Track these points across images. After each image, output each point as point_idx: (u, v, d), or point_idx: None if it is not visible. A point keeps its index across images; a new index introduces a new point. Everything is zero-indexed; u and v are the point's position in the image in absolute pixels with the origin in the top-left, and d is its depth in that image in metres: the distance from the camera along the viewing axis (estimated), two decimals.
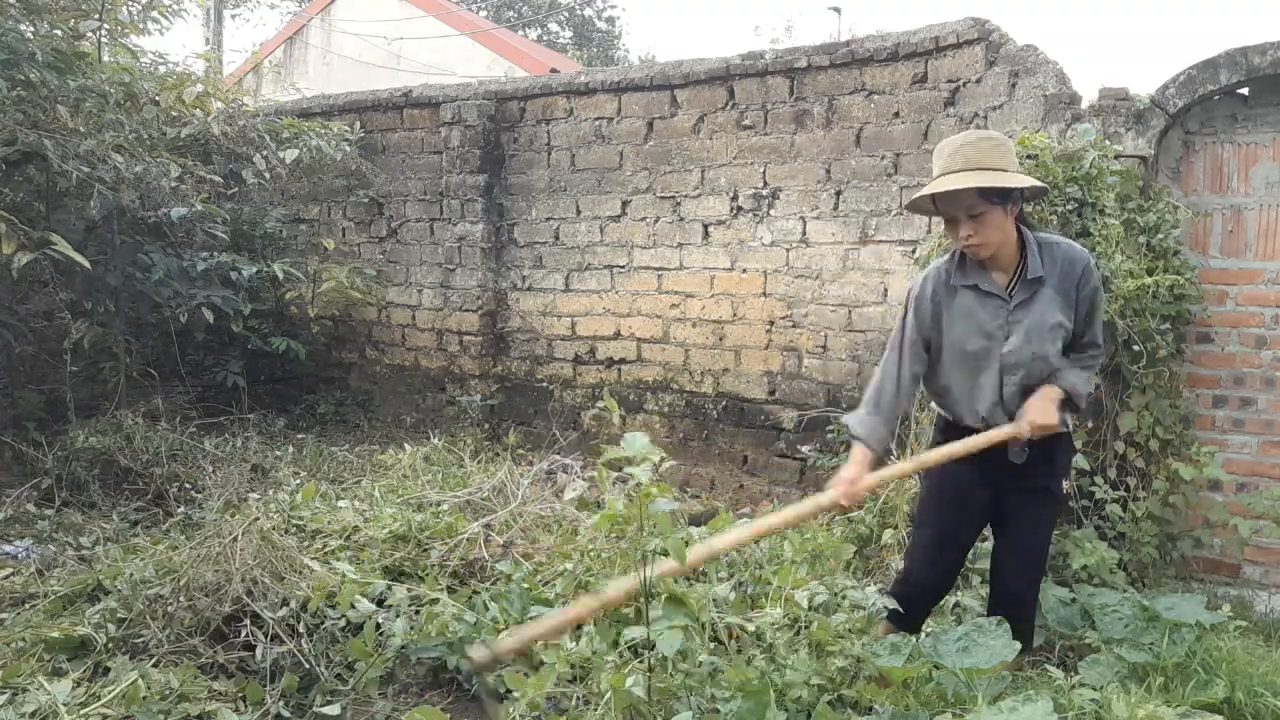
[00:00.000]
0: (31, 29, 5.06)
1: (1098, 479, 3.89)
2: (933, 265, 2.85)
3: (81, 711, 2.73)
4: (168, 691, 2.82)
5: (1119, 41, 44.16)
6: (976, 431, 2.76)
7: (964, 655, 2.71)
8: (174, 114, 6.11)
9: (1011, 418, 2.73)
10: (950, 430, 2.86)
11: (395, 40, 14.49)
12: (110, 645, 3.07)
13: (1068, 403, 2.76)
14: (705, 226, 5.69)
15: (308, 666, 3.03)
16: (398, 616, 3.28)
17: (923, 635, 3.08)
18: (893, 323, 4.47)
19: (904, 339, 2.82)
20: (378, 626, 3.19)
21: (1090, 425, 4.03)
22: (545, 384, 6.37)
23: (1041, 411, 2.67)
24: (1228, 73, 3.93)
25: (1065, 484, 2.92)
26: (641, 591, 2.53)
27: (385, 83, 8.84)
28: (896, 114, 5.03)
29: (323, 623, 3.21)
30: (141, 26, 6.28)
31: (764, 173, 5.48)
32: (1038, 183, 2.68)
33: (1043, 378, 2.74)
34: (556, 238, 6.27)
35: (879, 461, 2.81)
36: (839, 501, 2.67)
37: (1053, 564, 3.75)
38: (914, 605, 3.00)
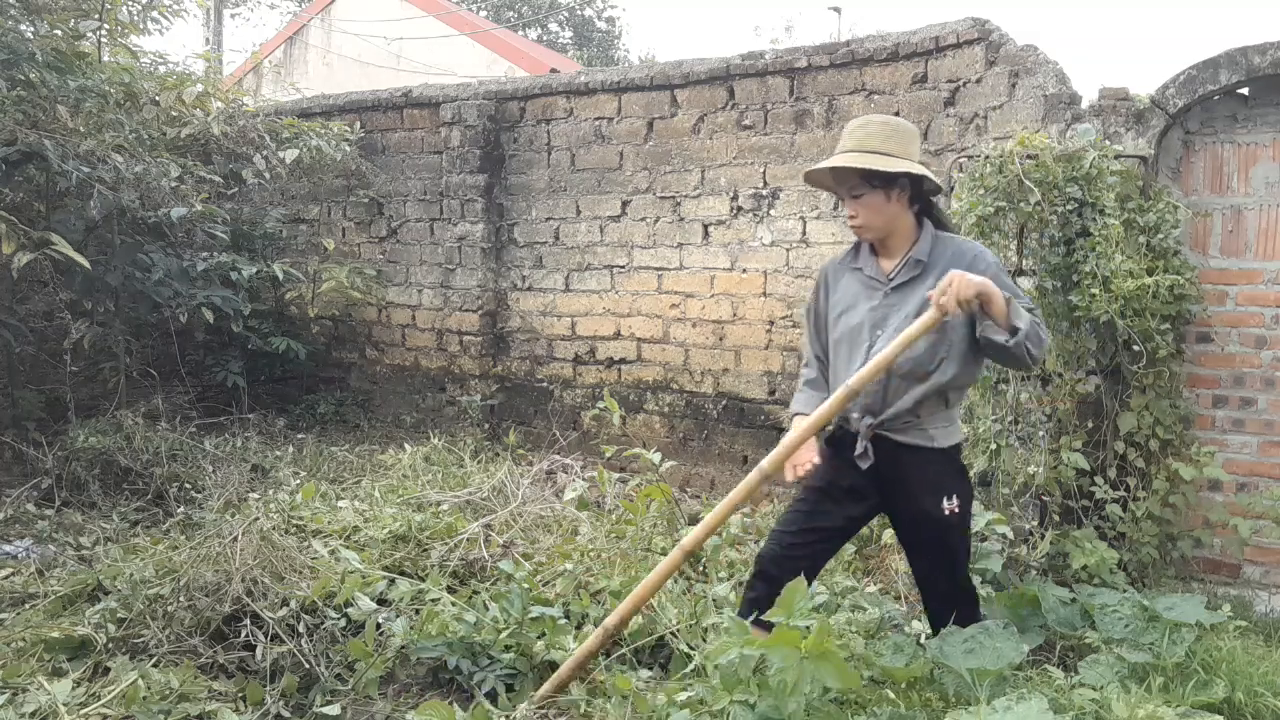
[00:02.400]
0: (31, 29, 5.06)
1: (1098, 479, 3.90)
2: (833, 257, 2.95)
3: (81, 711, 2.73)
4: (168, 691, 2.82)
5: (1119, 41, 44.17)
6: (849, 418, 2.73)
7: (970, 657, 2.72)
8: (174, 114, 6.11)
9: (873, 411, 2.69)
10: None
11: (395, 40, 14.49)
12: (110, 645, 3.07)
13: (1013, 352, 2.54)
14: (705, 226, 5.69)
15: (308, 666, 3.03)
16: (398, 616, 3.28)
17: (924, 636, 3.08)
18: None
19: (811, 320, 2.93)
20: (378, 626, 3.19)
21: (1090, 425, 4.03)
22: (545, 384, 6.37)
23: (961, 277, 2.46)
24: (1228, 73, 3.93)
25: (950, 504, 2.72)
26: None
27: (385, 83, 8.84)
28: (896, 114, 5.03)
29: (323, 623, 3.21)
30: (141, 26, 6.28)
31: (764, 173, 5.48)
32: (922, 171, 2.65)
33: (922, 372, 2.66)
34: (556, 238, 6.27)
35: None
36: (784, 470, 2.71)
37: (1053, 564, 3.75)
38: (759, 589, 2.83)
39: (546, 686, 2.89)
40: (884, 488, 2.76)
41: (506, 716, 2.79)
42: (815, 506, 2.81)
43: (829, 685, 2.34)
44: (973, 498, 2.87)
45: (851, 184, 2.68)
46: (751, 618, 2.67)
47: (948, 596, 2.86)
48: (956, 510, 2.72)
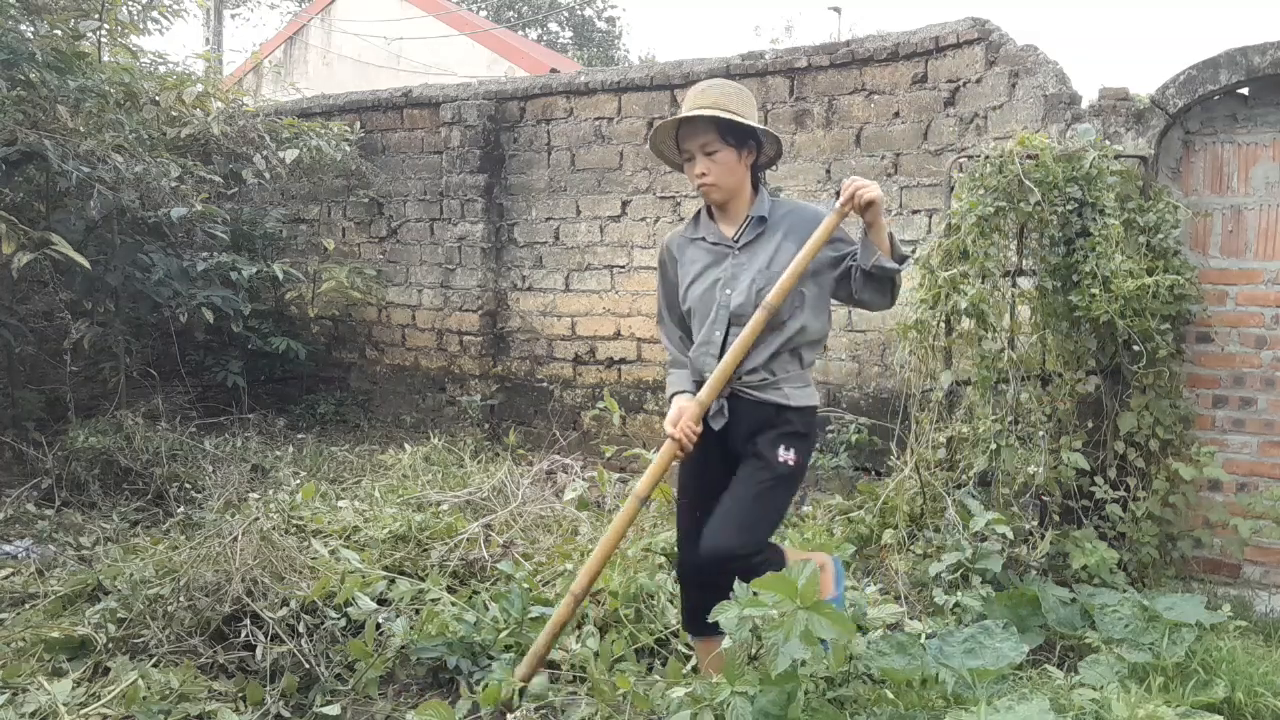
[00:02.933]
0: (31, 29, 5.06)
1: (1098, 479, 3.90)
2: (671, 234, 2.92)
3: (81, 711, 2.73)
4: (168, 691, 2.82)
5: (1119, 41, 44.18)
6: (704, 376, 2.70)
7: (970, 657, 2.71)
8: (174, 114, 6.11)
9: (736, 376, 2.66)
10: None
11: (395, 40, 14.50)
12: (110, 645, 3.07)
13: (895, 281, 2.66)
14: None
15: (308, 666, 3.03)
16: (398, 616, 3.28)
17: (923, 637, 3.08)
18: (892, 322, 4.47)
19: (662, 303, 2.90)
20: (378, 626, 3.19)
21: (1090, 425, 4.03)
22: (545, 384, 6.37)
23: (865, 182, 2.61)
24: (1228, 73, 3.93)
25: (788, 454, 2.66)
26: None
27: (385, 83, 8.84)
28: (896, 114, 5.04)
29: (323, 623, 3.21)
30: (141, 26, 6.28)
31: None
32: (775, 133, 2.74)
33: (778, 321, 2.65)
34: (556, 238, 6.27)
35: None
36: (676, 445, 2.65)
37: (1053, 564, 3.75)
38: (693, 598, 2.78)
39: (526, 661, 2.87)
40: (732, 441, 2.72)
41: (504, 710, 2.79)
42: (696, 496, 2.78)
43: (824, 636, 2.32)
44: (805, 468, 2.77)
45: (706, 140, 2.66)
46: (714, 629, 2.57)
47: (724, 546, 2.61)
48: (790, 462, 2.65)
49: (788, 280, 2.58)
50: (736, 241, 2.73)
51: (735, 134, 2.67)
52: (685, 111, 2.67)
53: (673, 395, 2.79)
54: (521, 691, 2.85)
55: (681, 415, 2.66)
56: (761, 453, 2.67)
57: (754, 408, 2.69)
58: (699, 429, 2.66)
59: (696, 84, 2.77)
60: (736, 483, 2.70)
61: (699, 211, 2.85)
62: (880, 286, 2.67)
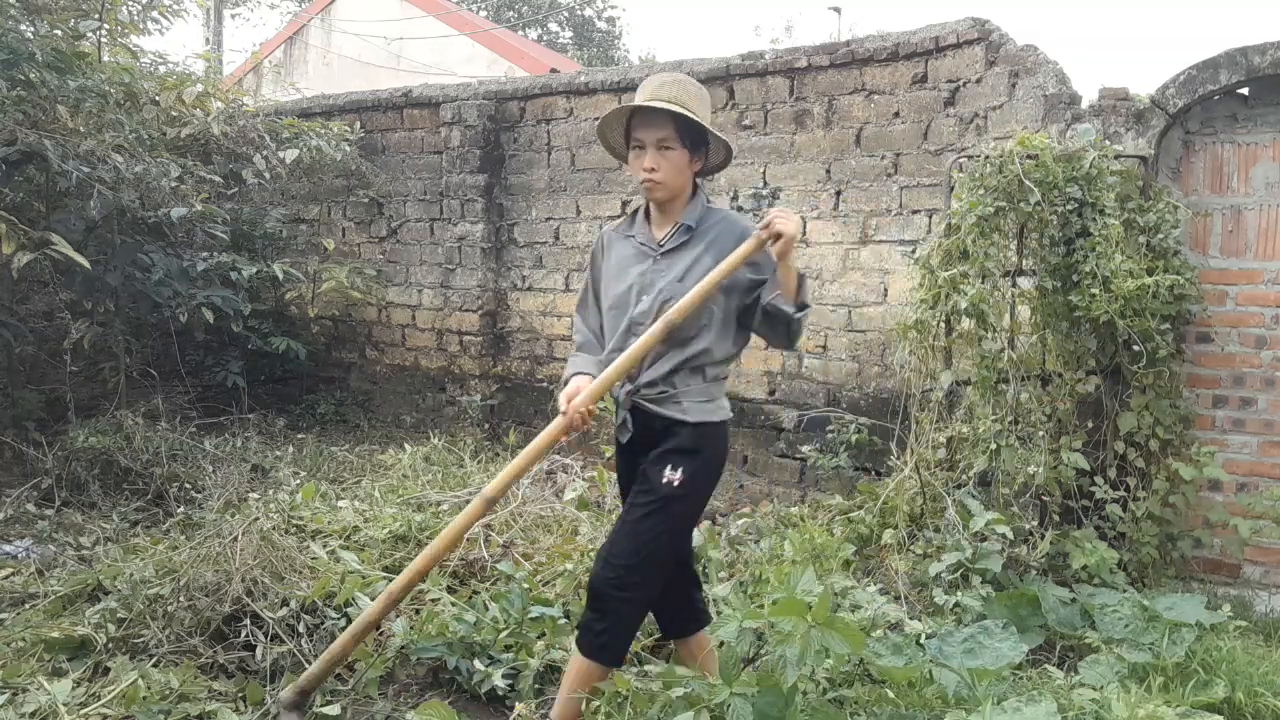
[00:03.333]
0: (31, 29, 5.06)
1: (1098, 479, 3.90)
2: (610, 224, 2.86)
3: (81, 711, 2.73)
4: (168, 691, 2.82)
5: (1119, 41, 44.18)
6: (623, 394, 2.63)
7: (970, 657, 2.71)
8: (174, 114, 6.11)
9: (630, 377, 2.59)
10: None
11: (395, 40, 14.49)
12: (110, 645, 3.07)
13: (792, 328, 2.55)
14: None
15: (308, 666, 3.03)
16: (398, 616, 3.28)
17: (924, 637, 3.08)
18: (892, 322, 4.48)
19: (588, 289, 2.82)
20: (378, 626, 3.19)
21: (1090, 425, 4.03)
22: (545, 384, 6.37)
23: (789, 214, 2.51)
24: (1228, 73, 3.93)
25: (674, 474, 2.54)
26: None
27: (385, 83, 8.84)
28: (896, 114, 5.04)
29: (323, 623, 3.21)
30: (141, 26, 6.28)
31: (764, 173, 5.48)
32: (729, 142, 2.69)
33: (681, 337, 2.54)
34: (556, 238, 6.27)
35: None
36: (567, 423, 2.54)
37: (1053, 564, 3.75)
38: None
39: (320, 661, 2.71)
40: (640, 455, 2.63)
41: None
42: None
43: (839, 651, 2.37)
44: (706, 488, 2.65)
45: (665, 135, 2.56)
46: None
47: (614, 569, 2.53)
48: (675, 483, 2.53)
49: (692, 298, 2.48)
50: (661, 246, 2.65)
51: (692, 136, 2.59)
52: (647, 100, 2.57)
53: (572, 375, 2.67)
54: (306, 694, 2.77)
55: (577, 393, 2.56)
56: (646, 473, 2.58)
57: (651, 420, 2.61)
58: (593, 410, 2.56)
59: (657, 75, 2.67)
60: (625, 507, 2.65)
61: (638, 209, 2.77)
62: (774, 326, 2.58)
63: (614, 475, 4.86)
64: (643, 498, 2.57)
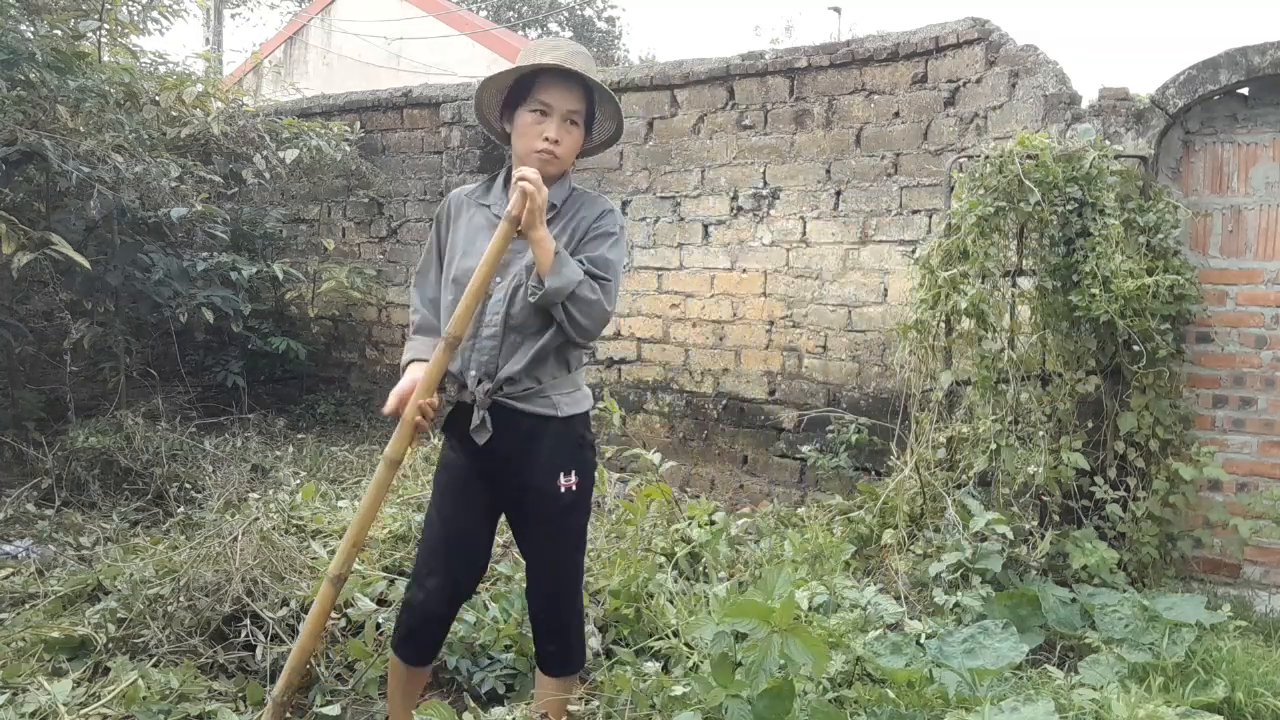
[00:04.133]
0: (31, 29, 5.06)
1: (1098, 479, 3.90)
2: (460, 187, 2.60)
3: (81, 711, 2.73)
4: (168, 691, 2.82)
5: (1119, 41, 44.18)
6: (459, 375, 2.40)
7: (970, 657, 2.71)
8: (174, 114, 6.11)
9: (489, 374, 2.37)
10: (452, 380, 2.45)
11: (395, 40, 14.50)
12: (110, 645, 3.07)
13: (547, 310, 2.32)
14: (705, 226, 5.69)
15: (308, 666, 3.03)
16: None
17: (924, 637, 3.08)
18: (892, 322, 4.48)
19: (431, 259, 2.56)
20: (378, 626, 3.19)
21: (1090, 425, 4.03)
22: None
23: (533, 191, 2.23)
24: (1228, 73, 3.93)
25: (568, 480, 2.44)
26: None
27: (385, 83, 8.84)
28: (896, 114, 5.04)
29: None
30: (141, 26, 6.28)
31: (764, 173, 5.48)
32: (620, 123, 2.53)
33: (536, 324, 2.36)
34: None
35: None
36: (410, 419, 2.31)
37: (1053, 564, 3.75)
38: (418, 629, 2.55)
39: (294, 654, 2.54)
40: (500, 465, 2.42)
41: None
42: (452, 519, 2.48)
43: (800, 660, 2.29)
44: (592, 481, 2.53)
45: (575, 108, 2.38)
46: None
47: (563, 599, 2.52)
48: (572, 488, 2.43)
49: (466, 308, 2.28)
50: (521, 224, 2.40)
51: (586, 117, 2.44)
52: (557, 62, 2.33)
53: (409, 363, 2.47)
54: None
55: (410, 390, 2.34)
56: (543, 489, 2.42)
57: (519, 420, 2.39)
58: (433, 403, 2.34)
59: (552, 41, 2.44)
60: (536, 535, 2.50)
61: (496, 175, 2.54)
62: (549, 314, 2.34)
63: (614, 475, 4.84)
64: (556, 521, 2.46)
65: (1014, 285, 4.00)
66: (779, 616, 2.29)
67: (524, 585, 3.45)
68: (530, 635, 3.20)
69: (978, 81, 4.68)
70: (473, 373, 2.39)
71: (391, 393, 2.38)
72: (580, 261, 2.35)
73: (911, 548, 3.79)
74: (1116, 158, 3.92)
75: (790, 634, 2.29)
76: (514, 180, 2.27)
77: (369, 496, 2.37)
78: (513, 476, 2.44)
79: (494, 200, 2.46)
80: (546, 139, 2.36)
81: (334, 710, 2.88)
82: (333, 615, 3.24)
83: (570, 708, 2.88)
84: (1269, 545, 3.98)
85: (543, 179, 2.30)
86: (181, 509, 4.48)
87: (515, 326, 2.37)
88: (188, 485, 4.77)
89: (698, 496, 5.54)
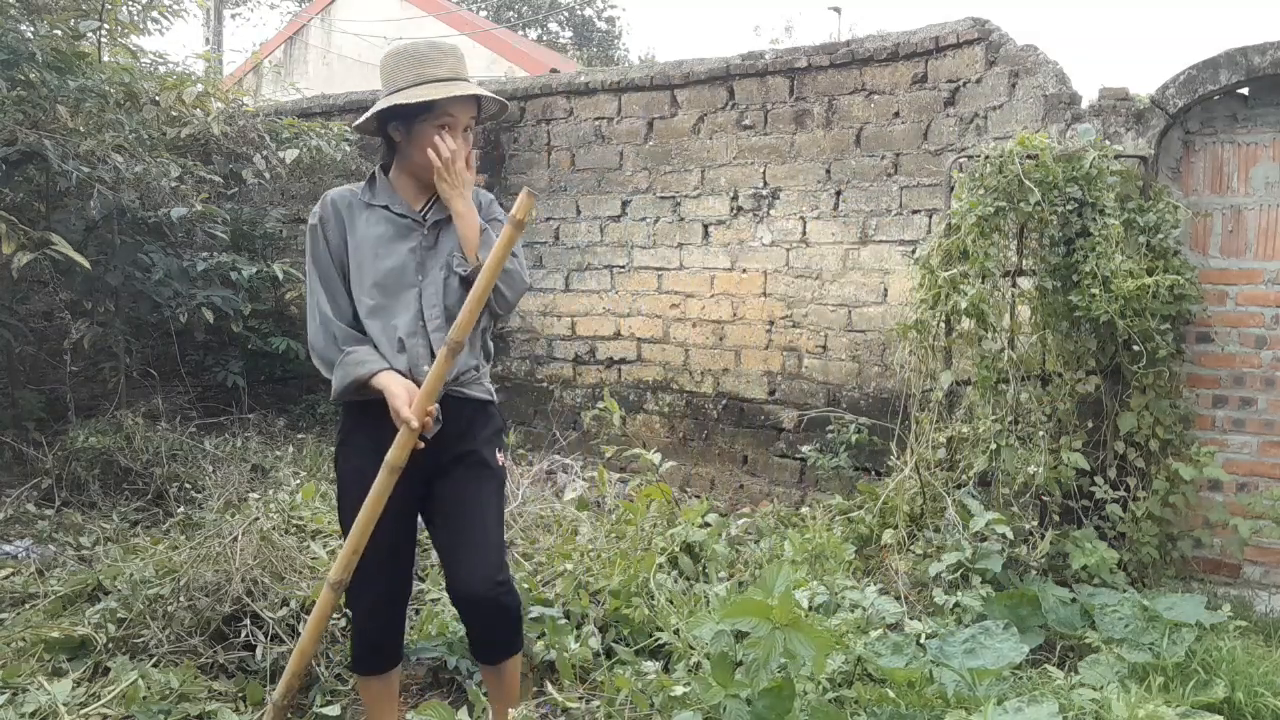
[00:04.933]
0: (31, 29, 5.06)
1: (1098, 479, 3.90)
2: (334, 191, 2.55)
3: (81, 711, 2.73)
4: (168, 691, 2.82)
5: (1119, 41, 44.19)
6: (410, 374, 2.41)
7: (970, 657, 2.71)
8: (174, 114, 6.10)
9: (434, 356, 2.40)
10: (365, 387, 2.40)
11: (395, 40, 14.49)
12: (110, 645, 3.08)
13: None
14: (705, 226, 5.69)
15: (308, 666, 3.03)
16: None
17: (924, 637, 3.08)
18: (892, 322, 4.48)
19: (322, 276, 2.47)
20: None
21: (1090, 425, 4.03)
22: (545, 384, 6.37)
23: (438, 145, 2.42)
24: (1228, 73, 3.93)
25: (500, 456, 2.58)
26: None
27: None
28: (896, 114, 5.04)
29: None
30: (141, 26, 6.28)
31: (764, 173, 5.48)
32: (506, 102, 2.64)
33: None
34: (556, 238, 6.27)
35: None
36: (418, 427, 2.32)
37: (1053, 564, 3.75)
38: (378, 643, 2.56)
39: (294, 658, 2.53)
40: (431, 453, 2.41)
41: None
42: (377, 527, 2.39)
43: (802, 654, 2.29)
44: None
45: (471, 114, 2.51)
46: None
47: (507, 573, 2.53)
48: (503, 464, 2.59)
49: (469, 315, 2.35)
50: (426, 218, 2.50)
51: (484, 109, 2.59)
52: (451, 82, 2.44)
53: (376, 372, 2.38)
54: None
55: (412, 397, 2.33)
56: (486, 460, 2.50)
57: (463, 407, 2.48)
58: (432, 411, 2.35)
59: (428, 46, 2.51)
60: (476, 503, 2.49)
61: (373, 174, 2.55)
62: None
63: (614, 475, 4.84)
64: (489, 484, 2.51)
65: (1014, 285, 4.00)
66: (779, 612, 2.30)
67: (523, 585, 3.47)
68: (530, 636, 3.20)
69: (978, 81, 4.68)
70: (425, 368, 2.40)
71: (401, 404, 2.32)
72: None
73: (911, 548, 3.79)
74: (1116, 158, 3.92)
75: (791, 629, 2.30)
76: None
77: (370, 502, 2.36)
78: (447, 453, 2.46)
79: (385, 199, 2.50)
80: (450, 150, 2.43)
81: (334, 710, 2.88)
82: (333, 616, 3.25)
83: (570, 706, 2.89)
84: (1269, 545, 3.98)
85: (420, 180, 2.49)
86: (181, 509, 4.48)
87: (454, 316, 2.39)
88: (188, 485, 4.77)
89: (698, 496, 5.53)
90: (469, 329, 2.36)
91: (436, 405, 2.36)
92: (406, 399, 2.33)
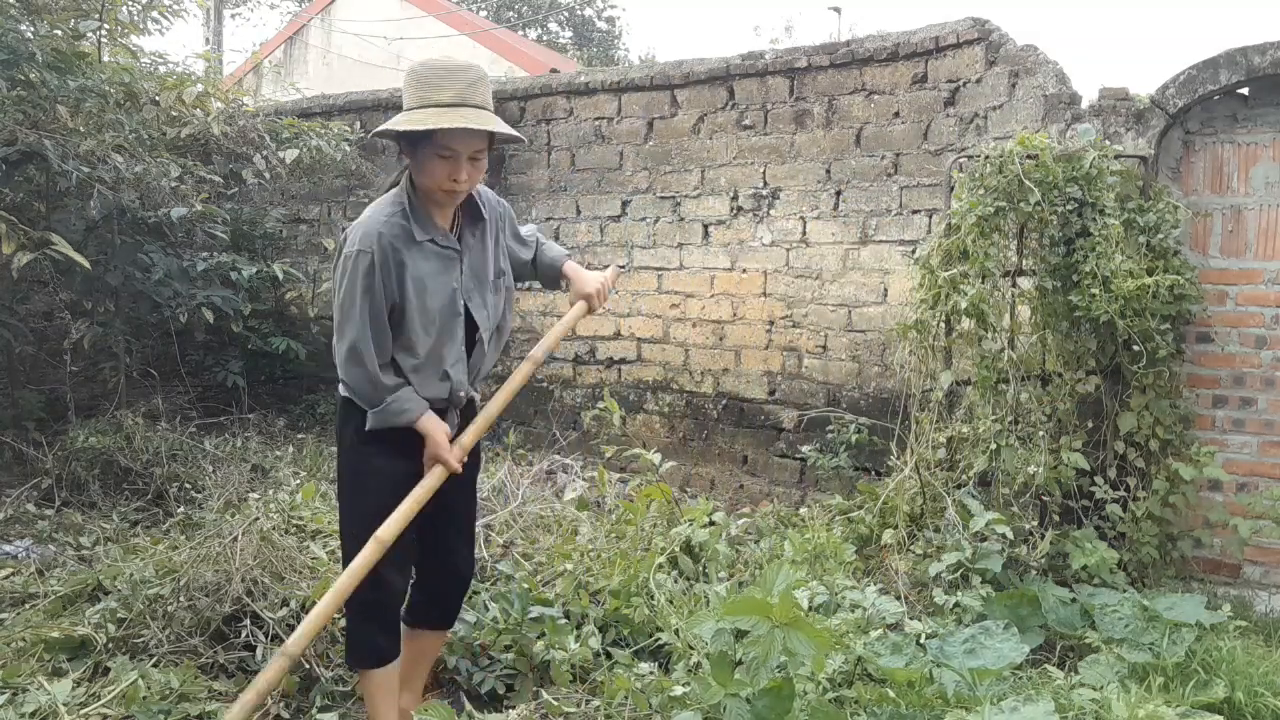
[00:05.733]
0: (31, 29, 5.06)
1: (1098, 479, 3.90)
2: (375, 219, 2.44)
3: (81, 711, 2.73)
4: (168, 691, 2.82)
5: (1119, 41, 44.20)
6: (442, 404, 2.54)
7: (971, 657, 2.71)
8: (174, 114, 6.11)
9: (473, 378, 2.62)
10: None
11: (395, 40, 14.50)
12: (110, 645, 3.08)
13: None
14: (705, 226, 5.69)
15: (308, 667, 3.03)
16: None
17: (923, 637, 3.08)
18: (892, 322, 4.48)
19: (367, 309, 2.40)
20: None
21: (1090, 425, 4.03)
22: (545, 384, 6.37)
23: (599, 280, 2.79)
24: (1228, 73, 3.93)
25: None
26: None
27: (385, 83, 8.83)
28: (896, 114, 5.04)
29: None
30: (141, 26, 6.28)
31: (764, 173, 5.48)
32: (521, 137, 2.60)
33: (501, 332, 2.69)
34: (556, 238, 6.27)
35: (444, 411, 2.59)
36: (456, 471, 2.49)
37: (1053, 564, 3.75)
38: (391, 623, 2.63)
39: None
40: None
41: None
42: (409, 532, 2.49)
43: (802, 652, 2.30)
44: None
45: (480, 147, 2.43)
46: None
47: (467, 570, 2.83)
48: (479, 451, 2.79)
49: (554, 342, 2.84)
50: (462, 243, 2.54)
51: (499, 136, 2.50)
52: (454, 109, 2.35)
53: (416, 415, 2.47)
54: None
55: (449, 442, 2.49)
56: (478, 454, 2.72)
57: (470, 412, 2.67)
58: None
59: (443, 68, 2.41)
60: (470, 493, 2.78)
61: (403, 205, 2.48)
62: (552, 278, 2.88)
63: (614, 475, 4.83)
64: (475, 487, 2.80)
65: (1014, 285, 4.00)
66: (779, 611, 2.30)
67: (523, 585, 3.47)
68: (530, 636, 3.20)
69: (978, 81, 4.68)
70: (462, 394, 2.60)
71: (444, 450, 2.47)
72: (525, 242, 2.83)
73: (911, 548, 3.79)
74: (1116, 158, 3.92)
75: (790, 628, 2.30)
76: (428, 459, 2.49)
77: (418, 498, 2.44)
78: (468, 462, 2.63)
79: (425, 229, 2.48)
80: (455, 180, 2.41)
81: (332, 718, 2.88)
82: (333, 616, 3.24)
83: (568, 710, 2.89)
84: (1269, 545, 3.98)
85: (456, 200, 2.52)
86: (181, 509, 4.48)
87: (499, 330, 2.69)
88: (188, 485, 4.77)
89: (697, 496, 5.53)
90: (552, 349, 2.74)
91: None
92: (446, 443, 2.48)
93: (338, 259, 2.46)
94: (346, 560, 2.51)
